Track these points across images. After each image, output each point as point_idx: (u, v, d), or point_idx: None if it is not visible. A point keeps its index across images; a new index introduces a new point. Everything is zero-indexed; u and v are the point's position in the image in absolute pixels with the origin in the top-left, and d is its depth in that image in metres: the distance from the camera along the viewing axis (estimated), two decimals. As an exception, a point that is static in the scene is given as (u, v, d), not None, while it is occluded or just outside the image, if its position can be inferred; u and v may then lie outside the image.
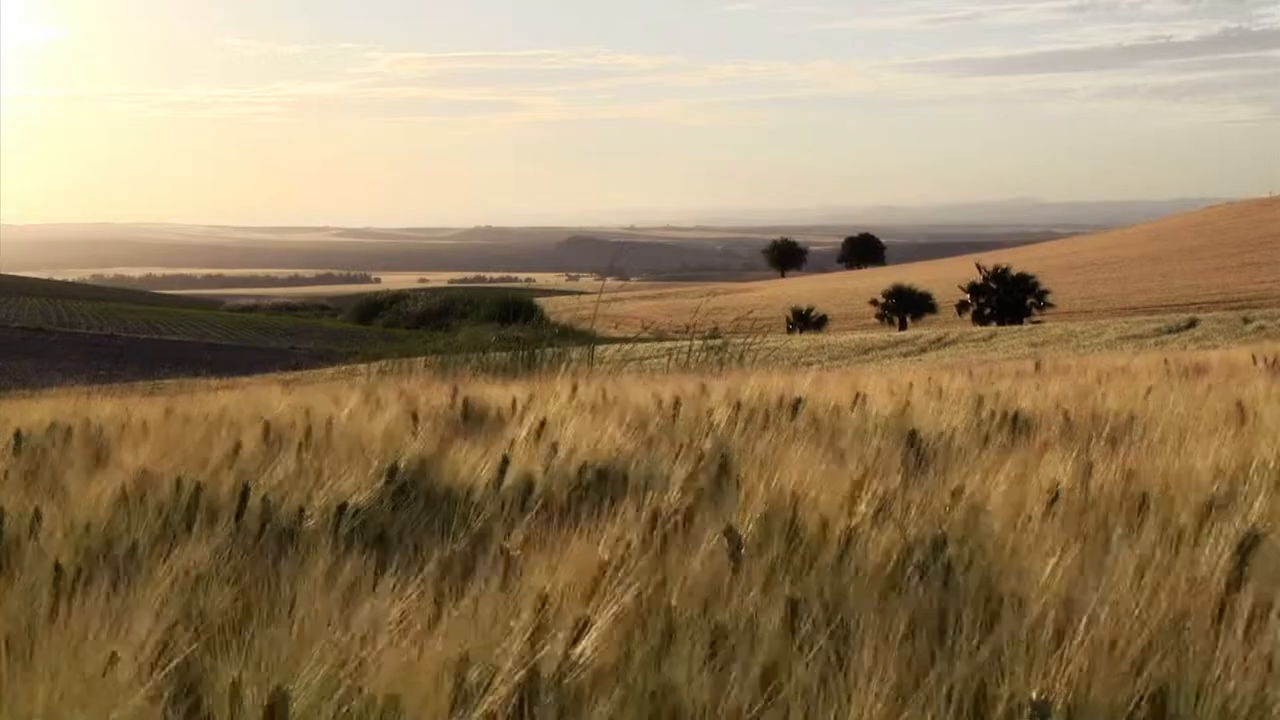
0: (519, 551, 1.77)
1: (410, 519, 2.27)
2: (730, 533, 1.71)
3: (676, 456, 2.58)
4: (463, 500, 2.38)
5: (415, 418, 3.28)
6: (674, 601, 1.56)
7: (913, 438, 3.14)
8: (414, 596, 1.49)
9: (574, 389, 4.11)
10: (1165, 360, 6.32)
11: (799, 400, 3.80)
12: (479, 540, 2.09)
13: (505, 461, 2.49)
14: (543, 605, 1.44)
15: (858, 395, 4.00)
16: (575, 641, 1.39)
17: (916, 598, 1.68)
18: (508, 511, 2.31)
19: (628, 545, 1.65)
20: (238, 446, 2.69)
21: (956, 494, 2.10)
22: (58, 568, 1.79)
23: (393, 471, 2.42)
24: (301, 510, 2.14)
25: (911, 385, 4.47)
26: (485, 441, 2.57)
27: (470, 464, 2.47)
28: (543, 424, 2.91)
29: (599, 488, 2.49)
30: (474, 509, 2.28)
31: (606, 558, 1.53)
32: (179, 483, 2.20)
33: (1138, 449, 2.53)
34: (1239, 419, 3.32)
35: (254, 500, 2.18)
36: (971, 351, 30.58)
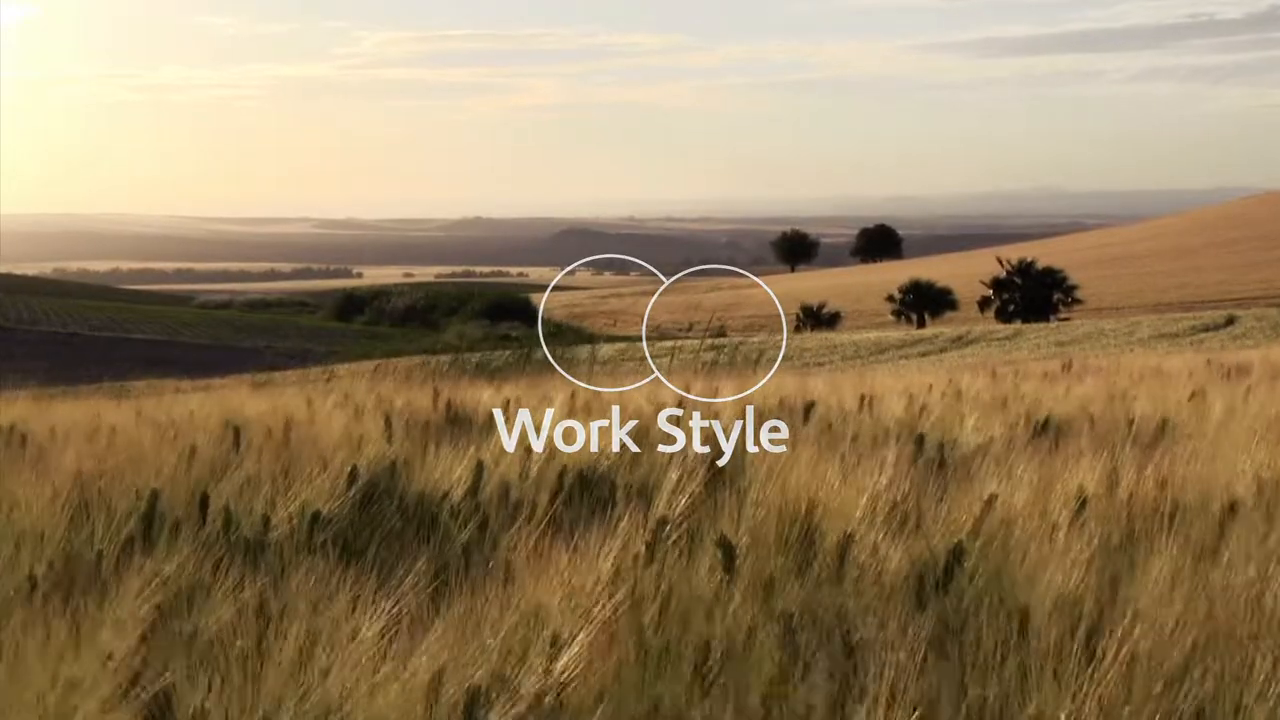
0: (510, 564, 1.76)
1: (386, 529, 2.27)
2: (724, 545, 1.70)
3: (678, 463, 2.58)
4: (445, 509, 2.37)
5: (395, 422, 3.27)
6: (667, 620, 1.56)
7: (927, 443, 3.13)
8: (396, 612, 1.48)
9: (569, 391, 4.11)
10: (1208, 361, 6.32)
11: (811, 404, 3.79)
12: (465, 552, 2.09)
13: (489, 468, 2.48)
14: (532, 621, 1.43)
15: (872, 399, 4.00)
16: (556, 659, 1.38)
17: (931, 611, 1.68)
18: (492, 521, 2.31)
19: (621, 559, 1.64)
20: (198, 451, 2.69)
21: (984, 504, 2.09)
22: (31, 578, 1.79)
23: (372, 480, 2.41)
24: (268, 520, 2.14)
25: (930, 388, 4.47)
26: (471, 447, 2.56)
27: (452, 471, 2.46)
28: (537, 428, 2.90)
29: (593, 495, 2.48)
30: (456, 518, 2.28)
31: (600, 572, 1.53)
32: (137, 492, 2.20)
33: (1172, 457, 2.52)
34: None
35: (217, 509, 2.17)
36: (994, 351, 30.57)
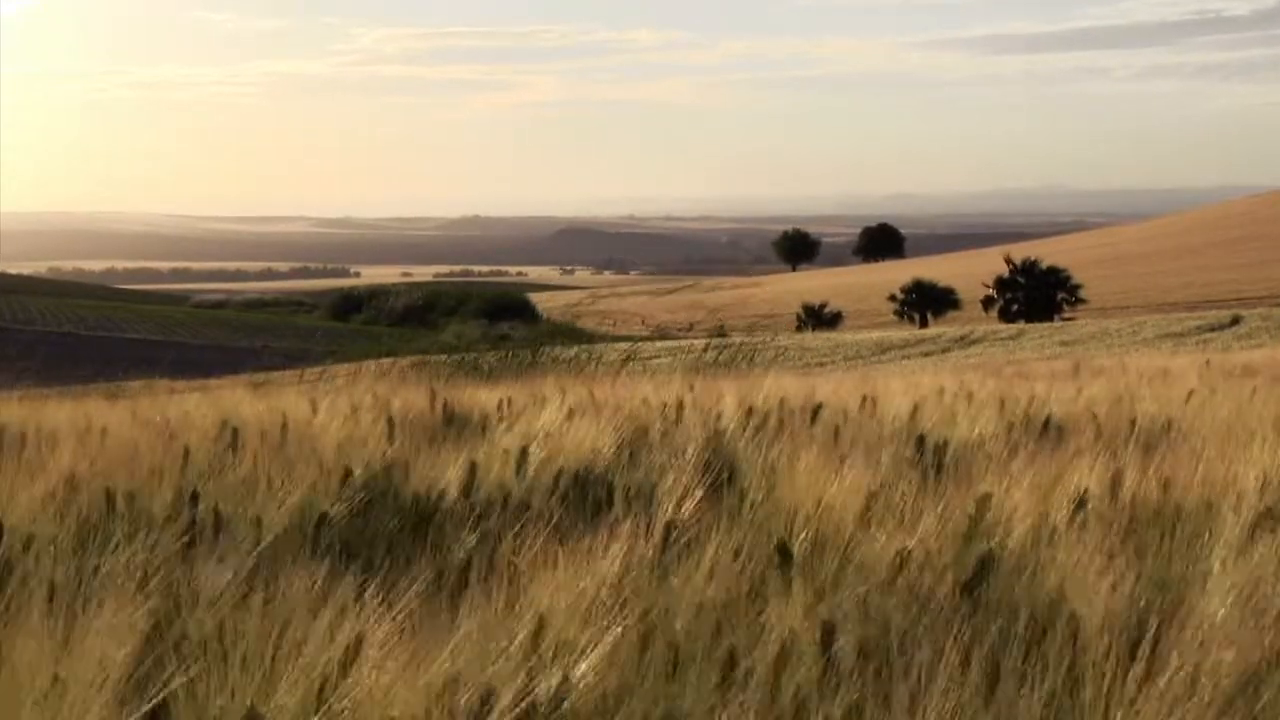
0: (507, 566, 1.76)
1: (383, 531, 2.26)
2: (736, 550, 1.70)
3: (678, 466, 2.57)
4: (441, 510, 2.37)
5: (392, 423, 3.27)
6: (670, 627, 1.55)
7: (930, 444, 3.13)
8: (399, 618, 1.47)
9: (567, 392, 4.10)
10: (1213, 361, 6.32)
11: (818, 406, 3.78)
12: (461, 554, 2.08)
13: (487, 470, 2.47)
14: (539, 629, 1.43)
15: (876, 400, 3.99)
16: (553, 660, 1.37)
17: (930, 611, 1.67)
18: (488, 523, 2.30)
19: (621, 564, 1.64)
20: (193, 452, 2.68)
21: (984, 503, 2.09)
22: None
23: (368, 481, 2.41)
24: (261, 521, 2.13)
25: (943, 390, 4.45)
26: (468, 449, 2.56)
27: (449, 472, 2.46)
28: (534, 430, 2.90)
29: (592, 499, 2.48)
30: (452, 521, 2.27)
31: (599, 575, 1.52)
32: (131, 495, 2.19)
33: (1178, 457, 2.52)
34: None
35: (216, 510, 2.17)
36: (998, 351, 30.56)
